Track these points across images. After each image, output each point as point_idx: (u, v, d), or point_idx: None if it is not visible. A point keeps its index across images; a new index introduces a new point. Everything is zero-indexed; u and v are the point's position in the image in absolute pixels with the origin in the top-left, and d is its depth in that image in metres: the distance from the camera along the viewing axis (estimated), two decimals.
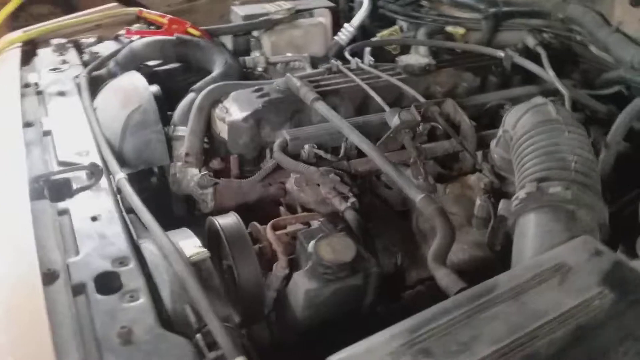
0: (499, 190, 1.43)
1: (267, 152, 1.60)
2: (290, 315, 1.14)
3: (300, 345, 1.20)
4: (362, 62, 1.89)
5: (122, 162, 1.51)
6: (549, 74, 1.70)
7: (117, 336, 0.90)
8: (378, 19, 2.43)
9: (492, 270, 1.06)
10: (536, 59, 1.83)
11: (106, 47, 2.19)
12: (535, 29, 2.03)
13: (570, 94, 1.57)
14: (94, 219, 1.20)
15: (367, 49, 2.14)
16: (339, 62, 1.82)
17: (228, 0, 2.48)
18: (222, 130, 1.62)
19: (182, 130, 1.65)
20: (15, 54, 2.12)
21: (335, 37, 2.30)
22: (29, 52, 2.17)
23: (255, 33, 2.24)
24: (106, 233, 1.15)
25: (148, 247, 1.13)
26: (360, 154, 1.53)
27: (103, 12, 2.40)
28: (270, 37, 2.21)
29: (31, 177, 1.29)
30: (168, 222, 1.19)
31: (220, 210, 1.45)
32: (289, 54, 2.18)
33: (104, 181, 1.33)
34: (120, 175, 1.33)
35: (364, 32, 2.39)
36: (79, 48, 2.22)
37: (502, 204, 1.20)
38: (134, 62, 2.02)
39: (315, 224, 1.30)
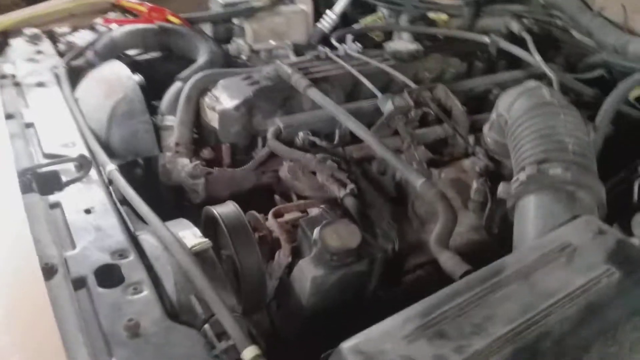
0: (494, 174, 1.44)
1: (259, 140, 1.58)
2: (295, 302, 1.13)
3: (302, 333, 1.19)
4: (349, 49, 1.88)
5: (110, 153, 1.46)
6: (535, 58, 1.72)
7: (125, 329, 0.88)
8: (359, 5, 2.41)
9: (490, 252, 1.07)
10: (520, 44, 1.85)
11: (82, 37, 2.13)
12: (516, 14, 2.05)
13: (557, 77, 1.59)
14: (87, 211, 1.17)
15: (350, 36, 2.13)
16: (327, 49, 1.81)
17: None
18: (213, 119, 1.59)
19: (171, 120, 1.62)
20: None
21: (318, 24, 2.28)
22: (0, 43, 2.09)
23: (235, 21, 2.21)
24: (102, 225, 1.13)
25: (146, 239, 1.10)
26: (354, 140, 1.52)
27: (76, 1, 2.33)
28: (251, 24, 2.18)
29: (18, 170, 1.25)
30: (158, 214, 1.15)
31: (212, 200, 1.43)
32: (272, 42, 2.16)
33: (93, 173, 1.30)
34: (111, 166, 1.30)
35: (345, 19, 2.37)
36: (53, 38, 2.15)
37: (501, 187, 1.21)
38: (114, 51, 1.96)
39: (314, 211, 1.28)
